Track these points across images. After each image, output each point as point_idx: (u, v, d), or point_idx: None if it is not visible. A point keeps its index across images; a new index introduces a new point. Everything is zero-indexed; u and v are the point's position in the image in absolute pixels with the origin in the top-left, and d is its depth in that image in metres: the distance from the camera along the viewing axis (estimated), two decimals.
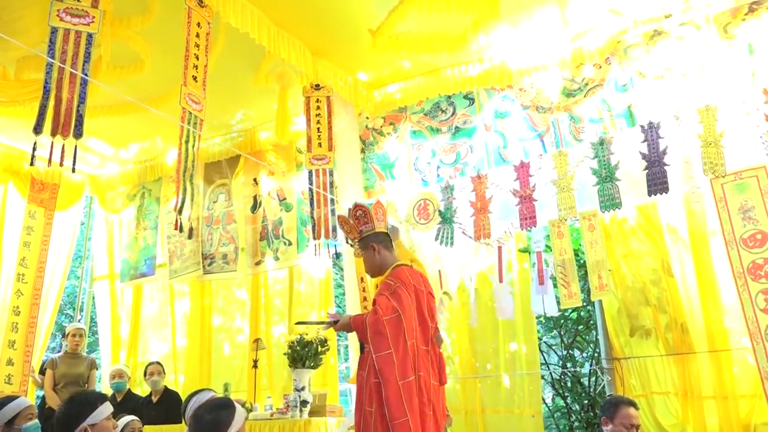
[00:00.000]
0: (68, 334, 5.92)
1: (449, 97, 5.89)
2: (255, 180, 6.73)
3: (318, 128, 5.43)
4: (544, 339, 7.02)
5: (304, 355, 4.55)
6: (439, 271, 5.07)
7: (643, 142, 4.19)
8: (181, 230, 3.77)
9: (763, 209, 3.93)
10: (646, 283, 4.69)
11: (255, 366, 5.16)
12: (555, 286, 4.79)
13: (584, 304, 5.88)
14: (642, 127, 4.26)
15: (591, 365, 6.42)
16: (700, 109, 4.07)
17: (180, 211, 3.71)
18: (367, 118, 6.25)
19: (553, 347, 7.08)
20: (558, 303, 4.68)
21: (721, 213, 3.99)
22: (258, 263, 6.48)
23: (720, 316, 4.40)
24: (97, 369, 6.10)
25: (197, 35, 4.13)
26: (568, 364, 6.74)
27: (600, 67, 5.25)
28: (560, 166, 4.45)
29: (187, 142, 3.81)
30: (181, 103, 3.91)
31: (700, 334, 4.45)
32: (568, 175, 4.42)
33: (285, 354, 4.65)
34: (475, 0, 4.88)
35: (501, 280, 4.79)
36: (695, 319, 4.50)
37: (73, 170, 3.41)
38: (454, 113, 5.88)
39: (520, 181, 4.56)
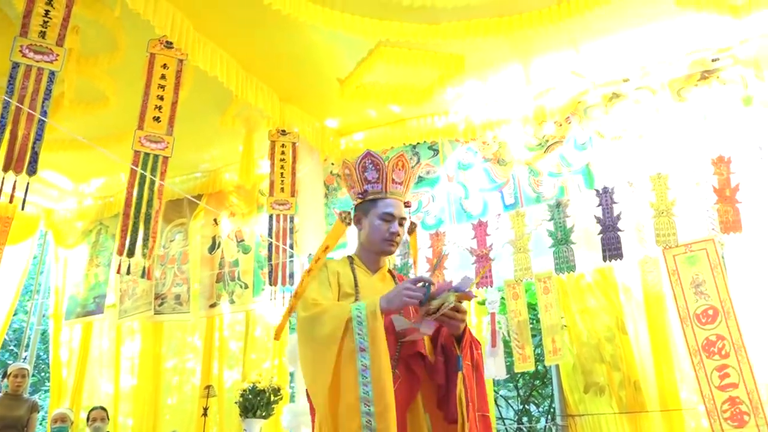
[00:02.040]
0: (9, 374, 5.66)
1: (414, 146, 5.97)
2: (215, 221, 6.66)
3: (282, 173, 5.42)
4: (501, 392, 6.99)
5: (256, 403, 4.44)
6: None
7: (598, 206, 4.29)
8: (128, 272, 3.68)
9: (713, 284, 3.97)
10: (600, 339, 4.74)
11: (205, 414, 5.00)
12: (507, 348, 4.79)
13: (537, 368, 5.89)
14: (597, 191, 4.36)
15: (546, 421, 6.40)
16: (653, 177, 4.19)
17: (129, 254, 3.62)
18: (333, 164, 6.27)
19: (510, 400, 7.05)
20: (509, 366, 4.67)
21: (675, 287, 4.04)
22: (213, 305, 6.34)
23: (672, 375, 4.45)
24: (38, 412, 5.83)
25: (162, 77, 4.13)
26: (524, 419, 6.71)
27: (561, 125, 5.40)
28: (518, 227, 4.52)
29: (141, 184, 3.75)
30: (134, 147, 3.88)
31: (653, 392, 4.49)
32: (525, 236, 4.48)
33: (236, 402, 4.52)
34: (442, 56, 5.02)
35: None
36: (647, 377, 4.54)
37: (23, 207, 3.32)
38: (418, 162, 5.95)
39: (477, 240, 4.60)
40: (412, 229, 2.62)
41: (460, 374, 2.12)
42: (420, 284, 2.08)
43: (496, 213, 5.13)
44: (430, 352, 2.25)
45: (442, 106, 5.71)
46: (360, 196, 2.45)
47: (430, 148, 5.93)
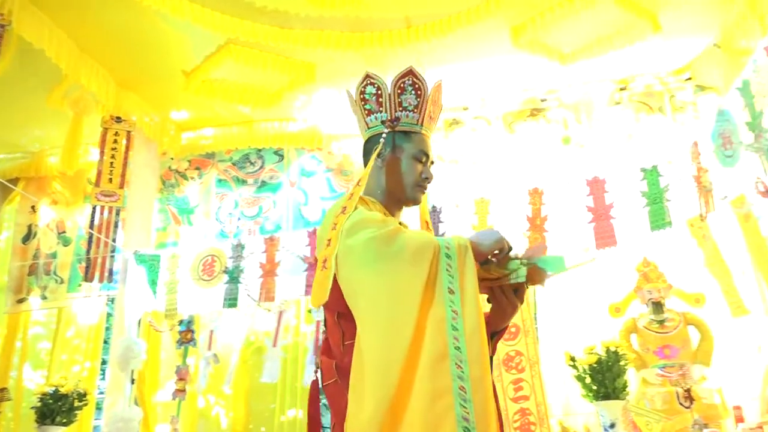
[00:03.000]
0: None
1: (259, 150, 5.88)
2: (33, 208, 6.06)
3: (112, 163, 5.07)
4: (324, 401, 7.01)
5: (56, 409, 4.07)
6: (212, 331, 4.90)
7: None
8: None
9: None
10: None
11: None
12: None
13: None
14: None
15: None
16: (477, 201, 4.47)
17: None
18: (172, 158, 5.99)
19: None
20: None
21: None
22: (21, 301, 5.74)
23: None
24: None
25: None
26: None
27: None
28: None
29: None
30: None
31: None
32: None
33: (33, 408, 4.11)
34: (293, 62, 5.01)
35: (275, 345, 4.75)
36: None
37: None
38: (262, 167, 5.86)
39: (311, 247, 4.61)
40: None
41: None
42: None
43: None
44: None
45: (291, 112, 5.68)
46: (390, 123, 1.90)
47: (275, 153, 5.88)
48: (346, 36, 4.69)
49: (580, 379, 3.89)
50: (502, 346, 4.16)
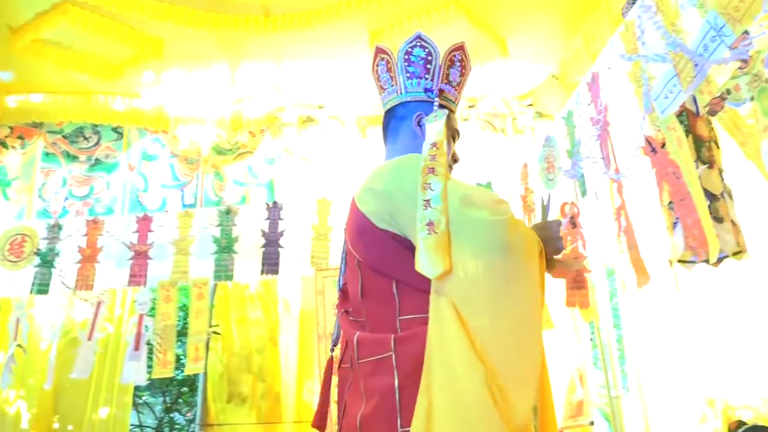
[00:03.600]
0: None
1: (96, 125, 5.41)
2: None
3: None
4: (145, 398, 6.65)
5: None
6: (18, 319, 4.43)
7: (266, 219, 4.37)
8: None
9: None
10: (251, 350, 4.81)
11: None
12: (150, 352, 4.57)
13: (176, 375, 5.74)
14: (267, 205, 4.44)
15: (190, 429, 6.27)
16: (319, 201, 4.42)
17: None
18: None
19: (155, 407, 6.74)
20: (149, 371, 4.46)
21: (319, 306, 4.28)
22: None
23: (311, 389, 4.71)
24: None
25: None
26: (166, 429, 6.47)
27: (254, 136, 5.42)
28: (183, 228, 4.36)
29: None
30: None
31: (291, 404, 4.69)
32: (188, 238, 4.34)
33: None
34: (140, 34, 4.66)
35: (90, 338, 4.38)
36: (289, 389, 4.74)
37: None
38: (98, 143, 5.40)
39: (139, 235, 4.31)
40: None
41: None
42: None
43: (174, 211, 4.90)
44: None
45: (136, 88, 5.29)
46: (434, 94, 1.78)
47: (114, 130, 5.43)
48: (200, 14, 4.44)
49: None
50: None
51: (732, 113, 2.63)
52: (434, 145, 1.64)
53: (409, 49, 1.82)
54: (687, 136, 2.55)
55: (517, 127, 5.29)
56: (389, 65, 1.86)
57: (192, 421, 6.50)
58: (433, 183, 1.55)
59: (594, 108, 2.79)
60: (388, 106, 1.91)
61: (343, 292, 1.81)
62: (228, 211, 4.36)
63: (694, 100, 2.62)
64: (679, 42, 2.03)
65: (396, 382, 1.44)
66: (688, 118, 2.61)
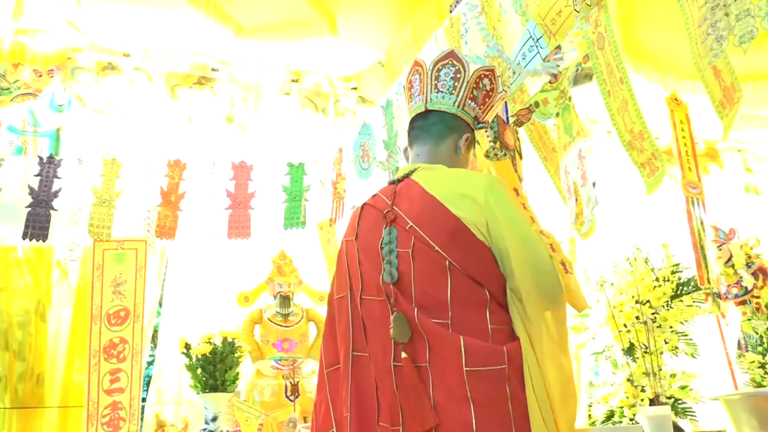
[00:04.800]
0: None
1: None
2: None
3: None
4: None
5: None
6: None
7: (37, 176, 3.75)
8: None
9: (133, 285, 3.88)
10: (12, 324, 4.18)
11: None
12: None
13: None
14: (40, 158, 3.84)
15: None
16: (106, 160, 3.90)
17: None
18: None
19: None
20: None
21: (96, 282, 3.82)
22: None
23: (83, 371, 4.21)
24: None
25: None
26: None
27: (40, 76, 4.67)
28: None
29: None
30: None
31: (57, 387, 4.17)
32: None
33: None
34: None
35: None
36: (56, 371, 4.19)
37: None
38: None
39: None
40: None
41: None
42: None
43: None
44: None
45: None
46: (479, 127, 1.96)
47: None
48: None
49: (191, 368, 3.73)
50: (106, 332, 3.74)
51: (539, 126, 2.71)
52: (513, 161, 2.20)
53: (482, 76, 1.93)
54: (495, 142, 2.57)
55: (339, 109, 5.17)
56: (458, 76, 1.92)
57: None
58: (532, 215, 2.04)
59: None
60: (441, 109, 1.94)
61: (399, 286, 1.71)
62: None
63: (506, 107, 2.67)
64: (499, 48, 2.01)
65: (508, 392, 1.58)
66: (498, 124, 2.65)
